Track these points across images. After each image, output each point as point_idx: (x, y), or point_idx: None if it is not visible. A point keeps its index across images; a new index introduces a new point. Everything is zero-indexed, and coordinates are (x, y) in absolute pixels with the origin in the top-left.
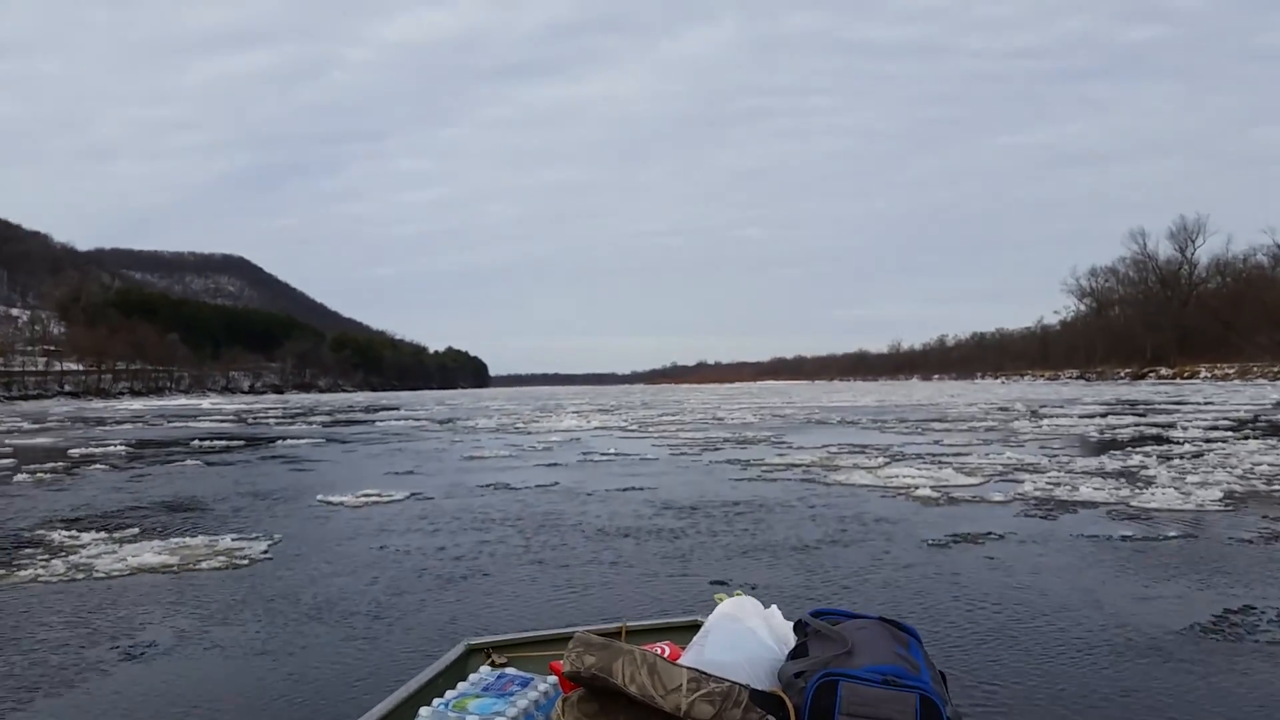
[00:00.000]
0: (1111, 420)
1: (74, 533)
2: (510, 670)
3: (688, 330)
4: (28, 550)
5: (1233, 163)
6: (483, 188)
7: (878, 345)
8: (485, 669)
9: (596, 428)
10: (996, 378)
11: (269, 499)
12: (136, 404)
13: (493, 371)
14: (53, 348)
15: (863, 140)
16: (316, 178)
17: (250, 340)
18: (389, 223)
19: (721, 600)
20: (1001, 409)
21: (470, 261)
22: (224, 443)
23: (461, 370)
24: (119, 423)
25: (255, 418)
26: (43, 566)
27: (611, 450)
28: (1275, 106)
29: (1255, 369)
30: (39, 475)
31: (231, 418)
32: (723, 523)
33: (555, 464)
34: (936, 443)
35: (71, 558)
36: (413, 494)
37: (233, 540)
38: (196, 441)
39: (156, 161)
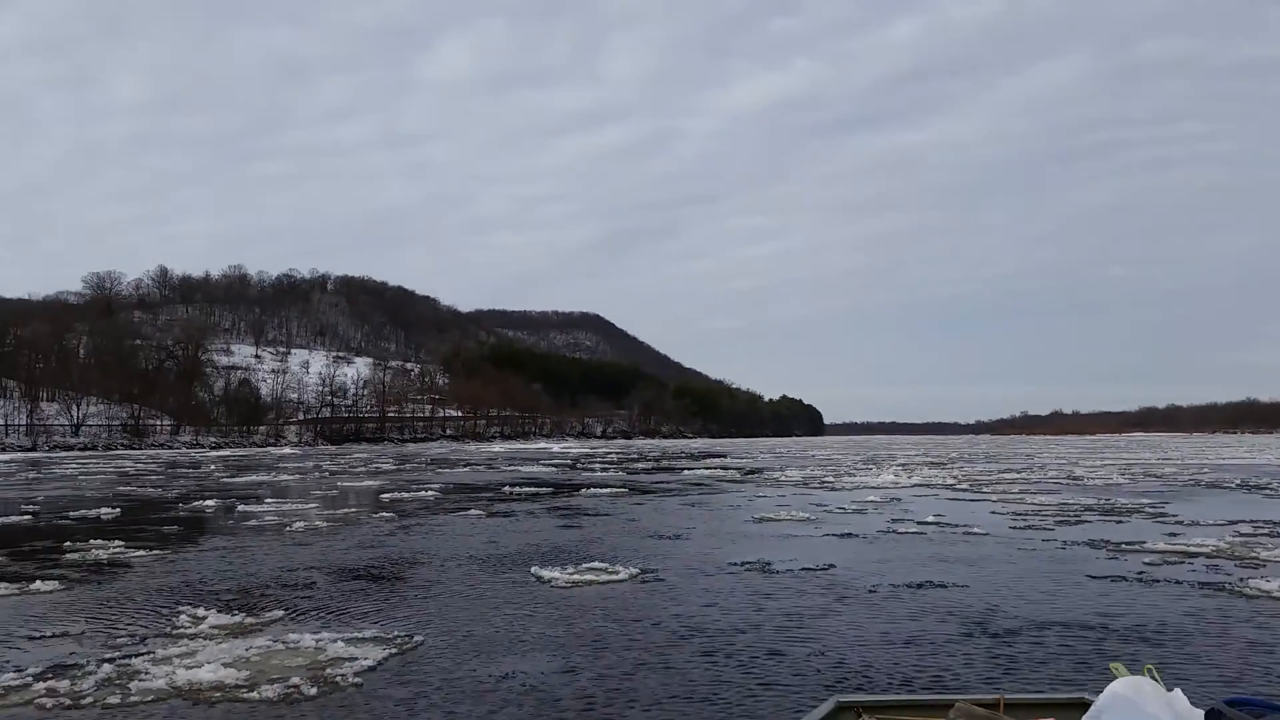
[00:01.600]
0: None
1: (201, 611)
2: None
3: (1038, 378)
4: (126, 640)
5: None
6: (817, 240)
7: (1269, 393)
8: None
9: (918, 485)
10: None
11: (481, 565)
12: (498, 446)
13: (828, 420)
14: (438, 396)
15: (1241, 167)
16: (660, 240)
17: (603, 389)
18: (726, 278)
19: (1118, 673)
20: None
21: (805, 311)
22: (532, 489)
23: (796, 418)
24: (469, 464)
25: (585, 463)
26: (82, 675)
27: (930, 517)
28: None
29: None
30: (315, 524)
31: (566, 462)
32: (1075, 669)
33: (849, 534)
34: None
35: (133, 661)
36: (642, 571)
37: (348, 643)
38: (508, 488)
39: (526, 232)
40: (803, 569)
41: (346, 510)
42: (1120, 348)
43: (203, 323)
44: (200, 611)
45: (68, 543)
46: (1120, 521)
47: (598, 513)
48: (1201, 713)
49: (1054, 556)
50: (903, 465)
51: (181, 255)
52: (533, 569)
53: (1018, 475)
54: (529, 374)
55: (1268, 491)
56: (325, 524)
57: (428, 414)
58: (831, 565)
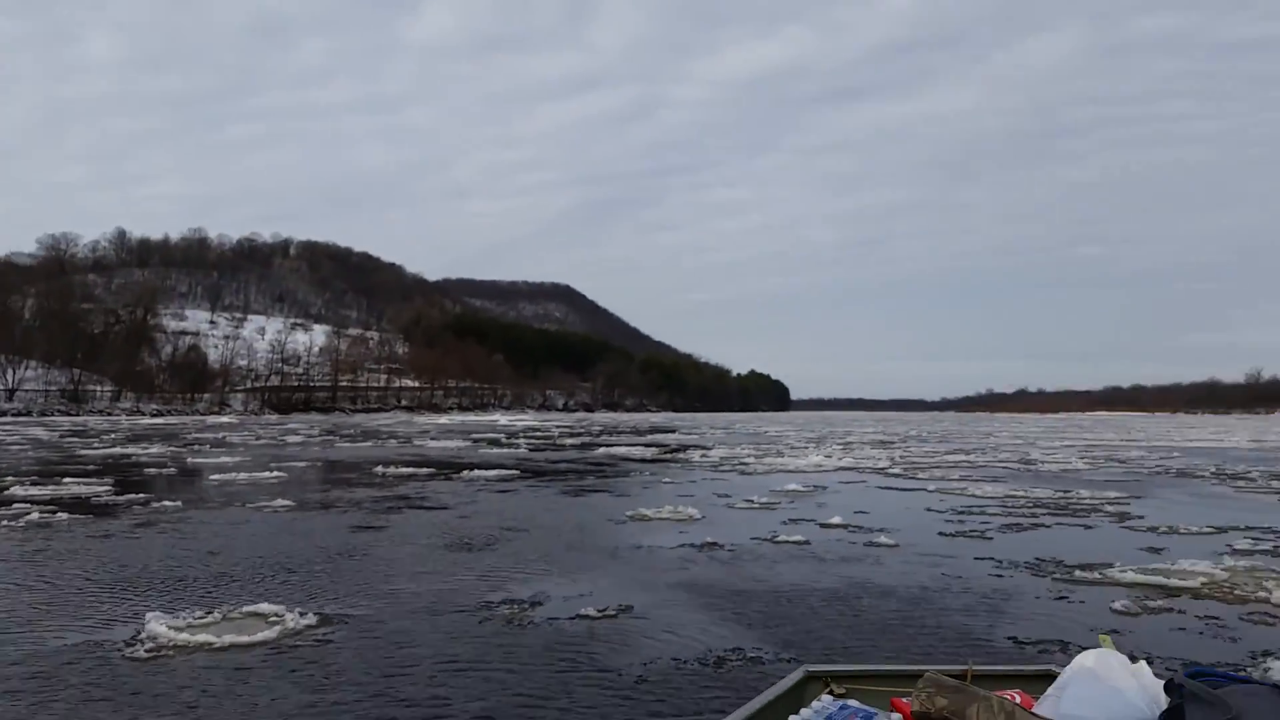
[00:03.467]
0: None
1: None
2: (852, 703)
3: (1007, 355)
4: None
5: None
6: (797, 213)
7: (1232, 375)
8: (826, 698)
9: (850, 469)
10: None
11: (94, 604)
12: (445, 419)
13: (796, 395)
14: (395, 366)
15: (1224, 147)
16: (639, 210)
17: (567, 362)
18: (704, 250)
19: (1107, 644)
20: None
21: (780, 286)
22: (409, 470)
23: (763, 393)
24: (392, 438)
25: (515, 439)
26: None
27: (837, 518)
28: None
29: None
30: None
31: (496, 435)
32: None
33: (712, 545)
34: None
35: None
36: (322, 620)
37: None
38: (382, 467)
39: (503, 200)
40: (596, 613)
41: (105, 500)
42: (1087, 326)
43: (154, 286)
44: None
45: None
46: (1078, 526)
47: (437, 505)
48: (1162, 683)
49: (979, 593)
50: (844, 445)
51: (144, 218)
52: (150, 615)
53: (966, 458)
54: (491, 344)
55: (1245, 482)
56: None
57: (383, 384)
58: (628, 608)
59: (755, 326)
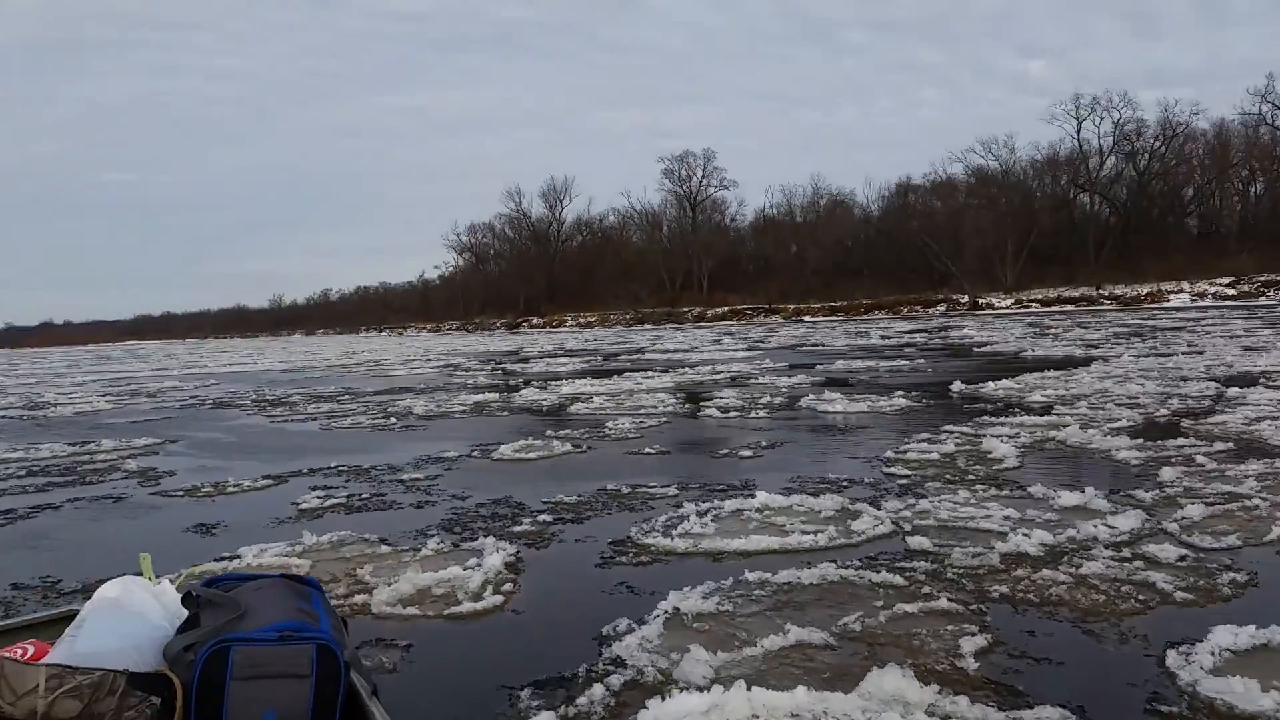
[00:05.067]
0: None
1: None
2: None
3: (27, 286)
4: None
5: (588, 137)
6: None
7: (258, 300)
8: None
9: None
10: (381, 330)
11: None
12: None
13: None
14: None
15: (245, 86)
16: None
17: None
18: None
19: (146, 562)
20: (455, 365)
21: None
22: None
23: None
24: None
25: None
26: None
27: None
28: (618, 94)
29: (613, 316)
30: None
31: None
32: None
33: None
34: (489, 455)
35: None
36: None
37: None
38: None
39: None
40: None
41: None
42: (116, 255)
43: None
44: None
45: None
46: (98, 499)
47: None
48: (180, 597)
49: None
50: None
51: None
52: None
53: None
54: None
55: (287, 407)
56: None
57: None
58: None
59: None
